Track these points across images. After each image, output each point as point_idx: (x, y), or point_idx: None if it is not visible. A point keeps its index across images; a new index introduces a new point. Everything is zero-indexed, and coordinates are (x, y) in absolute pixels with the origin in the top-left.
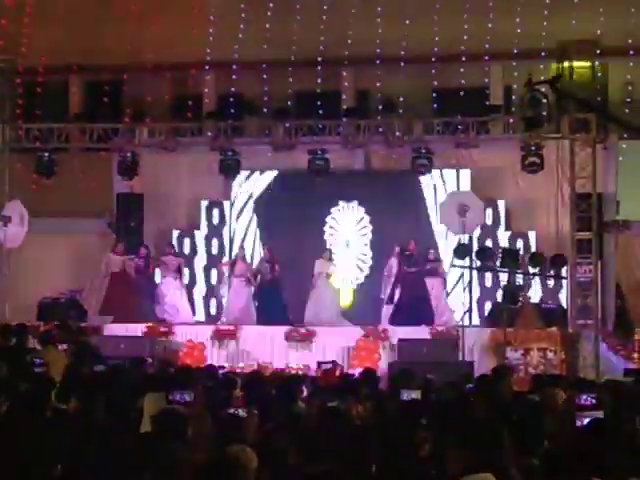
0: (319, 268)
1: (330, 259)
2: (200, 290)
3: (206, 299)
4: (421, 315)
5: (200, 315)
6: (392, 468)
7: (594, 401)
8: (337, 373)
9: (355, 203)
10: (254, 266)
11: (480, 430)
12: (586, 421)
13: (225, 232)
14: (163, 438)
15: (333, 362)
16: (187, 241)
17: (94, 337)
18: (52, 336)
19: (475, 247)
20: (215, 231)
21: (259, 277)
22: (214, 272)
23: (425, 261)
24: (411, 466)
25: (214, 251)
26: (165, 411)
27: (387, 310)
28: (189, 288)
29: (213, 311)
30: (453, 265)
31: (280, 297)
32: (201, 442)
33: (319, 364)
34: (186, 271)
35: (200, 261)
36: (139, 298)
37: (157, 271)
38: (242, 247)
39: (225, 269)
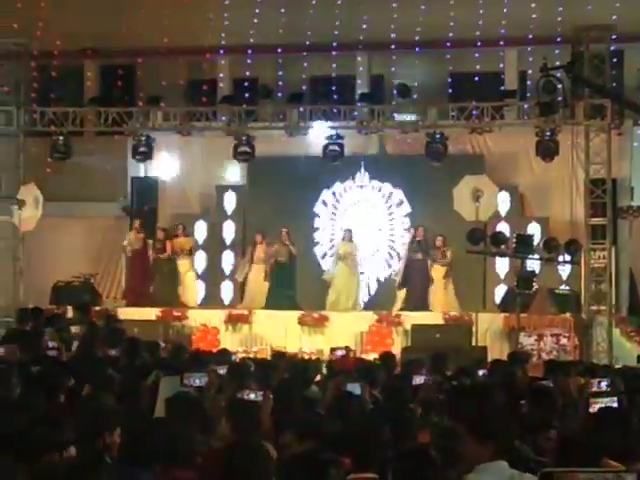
0: (340, 250)
1: (351, 240)
2: (215, 275)
3: (218, 284)
4: (420, 302)
5: (212, 299)
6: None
7: (608, 387)
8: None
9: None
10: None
11: (497, 420)
12: (599, 407)
13: (239, 216)
14: (177, 422)
15: (346, 348)
16: (201, 225)
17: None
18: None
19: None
20: (229, 215)
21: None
22: (228, 256)
23: (432, 248)
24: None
25: (228, 235)
26: (179, 395)
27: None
28: (204, 272)
29: (226, 295)
30: (468, 251)
31: (293, 280)
32: (216, 426)
33: (332, 350)
34: (202, 255)
35: (214, 245)
36: (158, 280)
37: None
38: (260, 232)
39: (246, 259)
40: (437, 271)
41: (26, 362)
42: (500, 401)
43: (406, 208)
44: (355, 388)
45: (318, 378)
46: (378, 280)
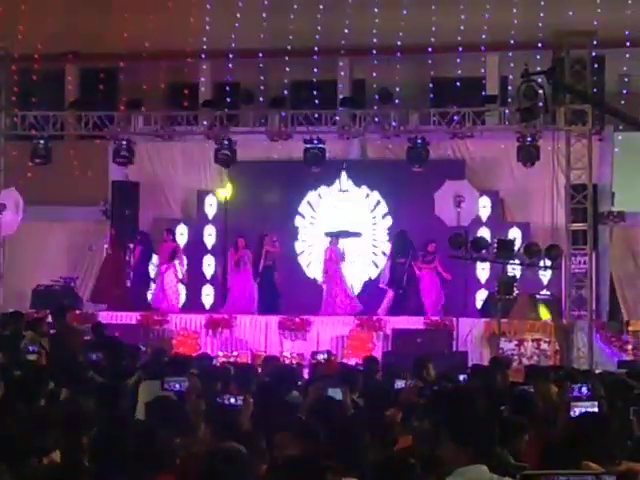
0: (327, 255)
1: (335, 245)
2: (196, 279)
3: (199, 288)
4: (409, 306)
5: (195, 304)
6: (383, 458)
7: (588, 392)
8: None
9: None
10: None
11: (477, 425)
12: (580, 411)
13: (220, 221)
14: (157, 425)
15: (328, 352)
16: (182, 229)
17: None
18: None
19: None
20: (210, 220)
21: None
22: (209, 260)
23: (424, 253)
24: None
25: (209, 240)
26: (159, 399)
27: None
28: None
29: (207, 300)
30: (450, 256)
31: (274, 285)
32: (196, 430)
33: (313, 354)
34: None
35: (195, 250)
36: (131, 283)
37: (154, 257)
38: (241, 236)
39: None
40: (429, 276)
41: (7, 366)
42: (481, 406)
43: (387, 213)
44: (336, 393)
45: (299, 383)
46: (363, 283)
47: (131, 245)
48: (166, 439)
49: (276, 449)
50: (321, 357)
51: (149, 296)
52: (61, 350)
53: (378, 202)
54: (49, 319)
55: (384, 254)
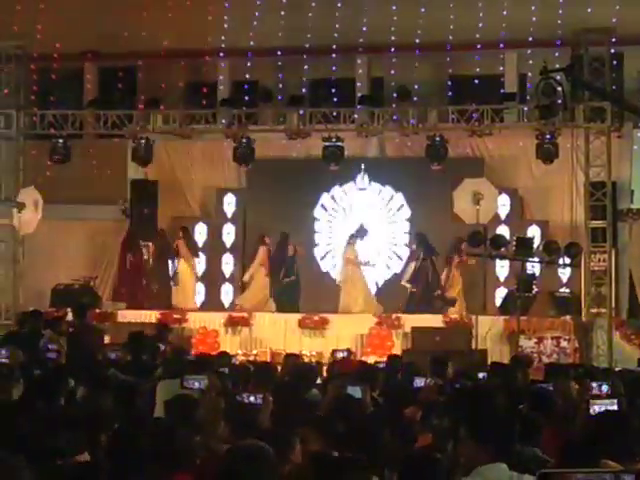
0: (348, 254)
1: (358, 243)
2: (215, 277)
3: (219, 286)
4: (431, 304)
5: (214, 302)
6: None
7: (608, 390)
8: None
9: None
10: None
11: (497, 423)
12: (599, 410)
13: (239, 219)
14: (176, 423)
15: (348, 350)
16: (201, 228)
17: (106, 324)
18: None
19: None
20: (229, 218)
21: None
22: (227, 259)
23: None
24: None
25: (227, 238)
26: (178, 397)
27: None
28: (203, 275)
29: (226, 298)
30: (468, 253)
31: (294, 284)
32: (215, 429)
33: (334, 352)
34: (201, 257)
35: (214, 248)
36: (153, 283)
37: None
38: (262, 235)
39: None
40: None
41: (27, 364)
42: (500, 404)
43: (406, 211)
44: (356, 391)
45: (318, 381)
46: (380, 283)
47: (149, 243)
48: (185, 438)
49: (301, 444)
50: (341, 355)
51: (171, 294)
52: (81, 348)
53: (396, 200)
54: (69, 317)
55: (398, 256)
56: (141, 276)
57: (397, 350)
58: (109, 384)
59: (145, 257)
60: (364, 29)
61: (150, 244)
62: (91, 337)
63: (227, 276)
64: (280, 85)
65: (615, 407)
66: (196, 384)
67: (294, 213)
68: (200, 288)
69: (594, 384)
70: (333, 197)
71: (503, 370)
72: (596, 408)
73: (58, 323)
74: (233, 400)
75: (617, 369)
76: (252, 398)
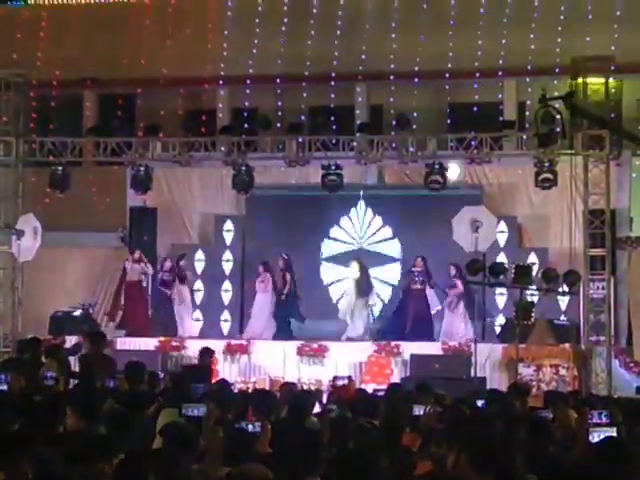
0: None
1: (360, 269)
2: (214, 305)
3: (217, 314)
4: (423, 332)
5: (213, 330)
6: None
7: (607, 419)
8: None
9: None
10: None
11: (496, 451)
12: (598, 438)
13: (238, 246)
14: (172, 452)
15: (349, 377)
16: (200, 255)
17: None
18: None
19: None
20: (228, 245)
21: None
22: (226, 286)
23: (431, 278)
24: None
25: (226, 266)
26: (173, 424)
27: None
28: (202, 302)
29: (225, 326)
30: (467, 281)
31: (291, 309)
32: (214, 457)
33: (335, 378)
34: (200, 285)
35: (213, 275)
36: (156, 310)
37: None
38: (265, 262)
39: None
40: (452, 299)
41: (26, 392)
42: (500, 431)
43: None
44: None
45: (317, 409)
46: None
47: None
48: (183, 467)
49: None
50: (341, 382)
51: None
52: (92, 376)
53: (394, 227)
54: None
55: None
56: (142, 303)
57: (396, 378)
58: (101, 414)
59: (145, 285)
60: (363, 57)
61: (150, 271)
62: (106, 367)
63: (226, 303)
64: (279, 112)
65: (614, 434)
66: (195, 411)
67: (294, 240)
68: (198, 315)
69: (593, 412)
70: (334, 224)
71: (501, 398)
72: (595, 436)
73: (56, 350)
74: (232, 428)
75: (616, 397)
76: (250, 426)
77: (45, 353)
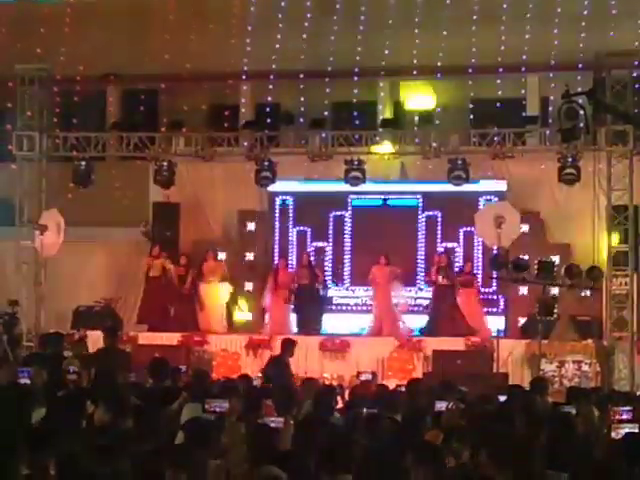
0: (376, 275)
1: (387, 264)
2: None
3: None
4: (454, 327)
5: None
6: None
7: (630, 415)
8: (374, 384)
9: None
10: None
11: (517, 447)
12: (621, 434)
13: (260, 241)
14: (194, 447)
15: (373, 373)
16: (223, 250)
17: (128, 345)
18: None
19: (511, 258)
20: (251, 240)
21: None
22: (249, 281)
23: (460, 273)
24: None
25: (248, 261)
26: (195, 420)
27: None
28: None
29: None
30: (490, 277)
31: (317, 305)
32: (236, 453)
33: (358, 374)
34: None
35: (236, 271)
36: (178, 305)
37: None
38: (283, 257)
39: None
40: (467, 295)
41: (49, 386)
42: (521, 428)
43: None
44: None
45: (340, 404)
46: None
47: (172, 266)
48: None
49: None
50: (364, 377)
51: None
52: (109, 370)
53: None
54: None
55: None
56: (165, 299)
57: (418, 373)
58: (129, 409)
59: (169, 280)
60: (386, 52)
61: (173, 266)
62: (118, 360)
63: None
64: (302, 108)
65: (636, 430)
66: (217, 407)
67: (317, 234)
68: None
69: (616, 409)
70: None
71: (523, 394)
72: (618, 432)
73: (79, 345)
74: (254, 423)
75: (638, 393)
76: (273, 422)
77: (67, 347)
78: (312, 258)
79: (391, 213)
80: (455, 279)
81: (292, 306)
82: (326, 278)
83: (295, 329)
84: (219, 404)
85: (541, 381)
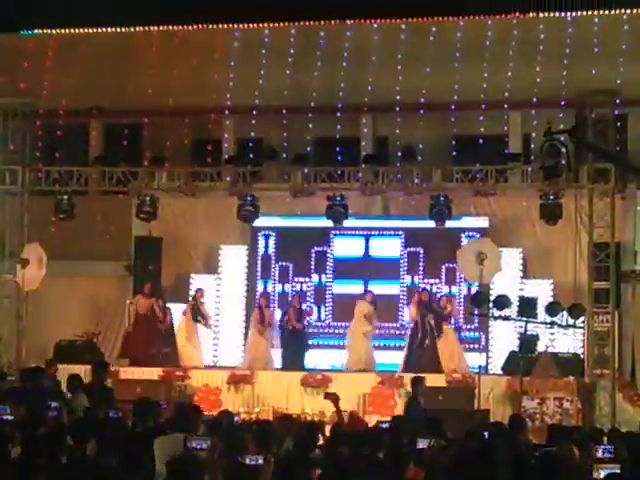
0: (359, 310)
1: (372, 302)
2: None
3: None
4: (432, 363)
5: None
6: None
7: (611, 455)
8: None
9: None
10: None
11: None
12: (603, 474)
13: (241, 277)
14: None
15: (352, 412)
16: (205, 285)
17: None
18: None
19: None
20: (232, 276)
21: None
22: (231, 317)
23: (438, 308)
24: None
25: (231, 296)
26: (182, 458)
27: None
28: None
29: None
30: (471, 313)
31: (303, 346)
32: None
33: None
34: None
35: (218, 306)
36: (161, 342)
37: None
38: (266, 294)
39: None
40: (445, 331)
41: (31, 422)
42: (504, 466)
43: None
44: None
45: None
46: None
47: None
48: None
49: None
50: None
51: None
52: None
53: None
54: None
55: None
56: (150, 336)
57: (399, 409)
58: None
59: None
60: (369, 88)
61: (159, 303)
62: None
63: (230, 334)
64: (285, 143)
65: (618, 471)
66: (200, 445)
67: (299, 270)
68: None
69: (598, 447)
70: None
71: (505, 431)
72: (601, 472)
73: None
74: (234, 461)
75: (620, 432)
76: (253, 459)
77: (68, 385)
78: (302, 303)
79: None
80: (435, 315)
81: (275, 343)
82: (309, 316)
83: (278, 365)
84: (201, 441)
85: (519, 418)
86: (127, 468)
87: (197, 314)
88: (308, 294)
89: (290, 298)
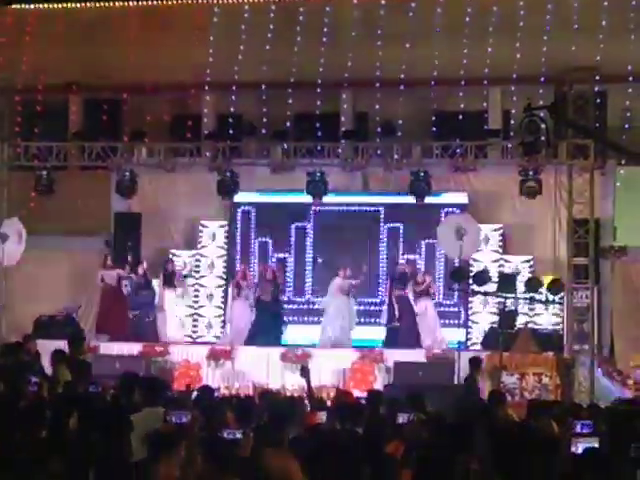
0: (336, 286)
1: (348, 277)
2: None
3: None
4: (411, 338)
5: (195, 335)
6: None
7: (590, 429)
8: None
9: None
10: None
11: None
12: (581, 448)
13: (220, 253)
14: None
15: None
16: (184, 260)
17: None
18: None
19: (472, 271)
20: (212, 251)
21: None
22: (210, 291)
23: (415, 284)
24: None
25: (210, 270)
26: (160, 432)
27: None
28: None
29: (206, 330)
30: (450, 289)
31: (278, 319)
32: (194, 465)
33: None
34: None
35: (197, 281)
36: (134, 313)
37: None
38: (243, 264)
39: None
40: (423, 306)
41: (11, 397)
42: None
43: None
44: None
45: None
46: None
47: (132, 275)
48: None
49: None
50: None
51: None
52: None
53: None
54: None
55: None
56: (124, 308)
57: (379, 385)
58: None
59: (128, 288)
60: (349, 64)
61: (133, 275)
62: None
63: (209, 309)
64: (264, 119)
65: (596, 445)
66: (180, 418)
67: (277, 244)
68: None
69: (576, 422)
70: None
71: (484, 406)
72: (579, 446)
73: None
74: (214, 435)
75: (599, 407)
76: (232, 434)
77: (53, 359)
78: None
79: (353, 225)
80: (415, 291)
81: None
82: (287, 289)
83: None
84: (181, 415)
85: (498, 393)
86: (109, 442)
87: (171, 278)
88: (288, 270)
89: (261, 268)
